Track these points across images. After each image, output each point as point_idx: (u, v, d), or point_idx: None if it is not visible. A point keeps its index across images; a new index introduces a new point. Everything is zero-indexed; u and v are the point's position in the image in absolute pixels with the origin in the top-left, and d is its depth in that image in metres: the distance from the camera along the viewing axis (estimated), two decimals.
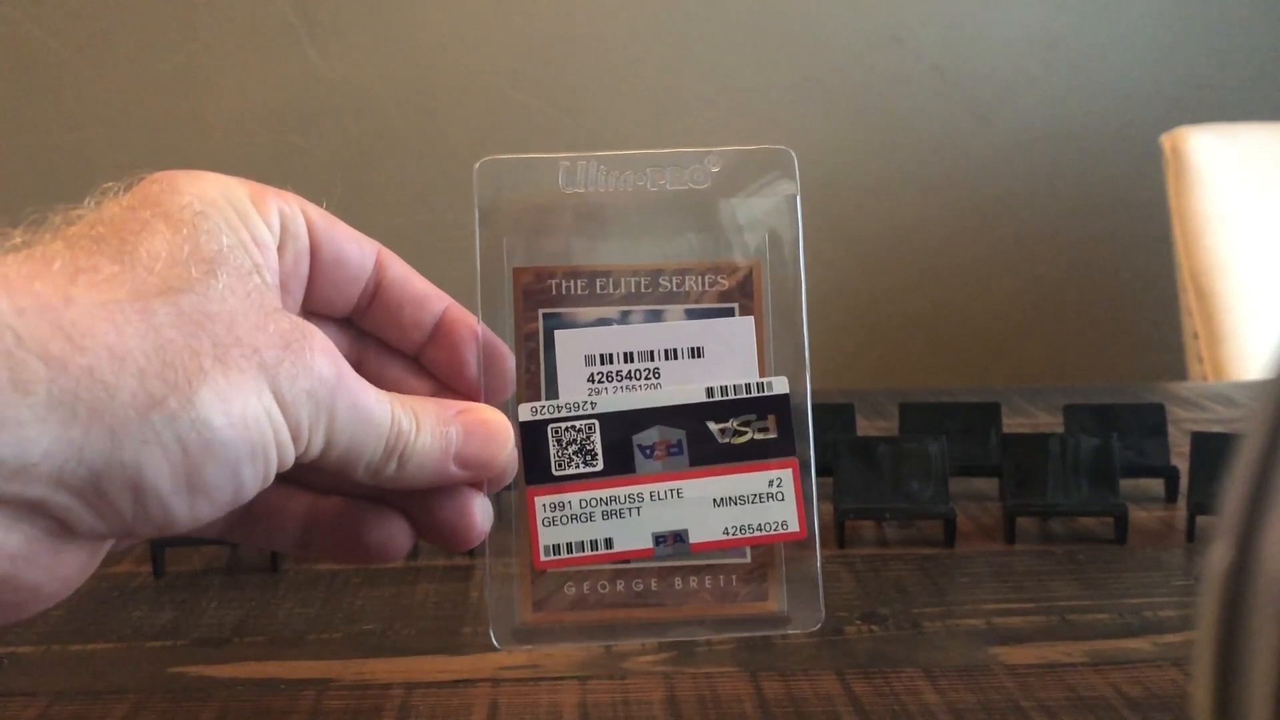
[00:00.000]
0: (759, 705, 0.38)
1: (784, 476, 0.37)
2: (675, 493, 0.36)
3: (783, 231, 0.38)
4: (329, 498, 0.36)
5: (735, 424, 0.37)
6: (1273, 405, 0.20)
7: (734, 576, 0.37)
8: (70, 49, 1.56)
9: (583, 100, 1.61)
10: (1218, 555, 0.20)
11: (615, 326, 0.38)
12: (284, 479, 0.36)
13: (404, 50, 1.59)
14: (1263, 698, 0.19)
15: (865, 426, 0.66)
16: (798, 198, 0.38)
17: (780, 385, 0.37)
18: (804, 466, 0.37)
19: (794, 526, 0.37)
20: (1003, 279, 1.69)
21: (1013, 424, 0.66)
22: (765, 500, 0.37)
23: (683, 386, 0.37)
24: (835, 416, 0.60)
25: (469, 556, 0.50)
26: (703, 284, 0.38)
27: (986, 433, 0.59)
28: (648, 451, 0.37)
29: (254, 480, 0.30)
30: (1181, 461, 0.56)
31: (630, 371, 0.37)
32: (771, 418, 0.37)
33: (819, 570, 0.37)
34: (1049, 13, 1.63)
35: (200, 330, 0.28)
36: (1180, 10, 1.64)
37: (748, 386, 0.37)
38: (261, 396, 0.29)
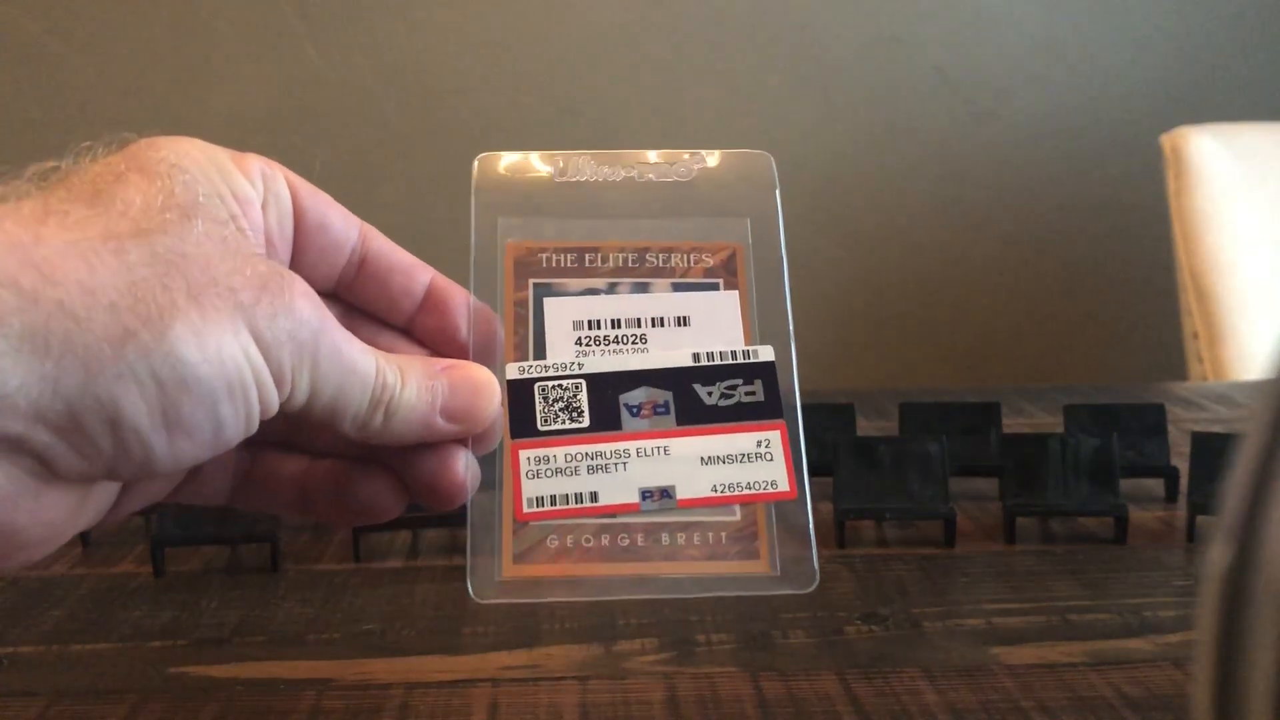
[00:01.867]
0: (759, 705, 0.38)
1: (772, 438, 0.37)
2: (662, 449, 0.36)
3: (765, 221, 0.39)
4: (324, 460, 0.36)
5: (722, 387, 0.37)
6: (1273, 405, 0.20)
7: (723, 534, 0.37)
8: (70, 49, 1.56)
9: (583, 100, 1.61)
10: (1218, 555, 0.20)
11: (603, 296, 0.38)
12: (280, 442, 0.36)
13: (404, 51, 1.59)
14: (1263, 697, 0.19)
15: (865, 426, 0.66)
16: (777, 191, 0.39)
17: (766, 353, 0.37)
18: (792, 431, 0.37)
19: (784, 486, 0.36)
20: (1003, 279, 1.69)
21: (1013, 424, 0.66)
22: (754, 460, 0.36)
23: (669, 352, 0.37)
24: (835, 416, 0.60)
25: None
26: (688, 261, 0.39)
27: (986, 433, 0.59)
28: (634, 410, 0.37)
29: (235, 421, 0.29)
30: (1181, 461, 0.56)
31: (618, 337, 0.38)
32: (758, 382, 0.37)
33: (812, 532, 0.36)
34: (1049, 13, 1.63)
35: (174, 269, 0.28)
36: (1180, 10, 1.64)
37: (734, 353, 0.38)
38: (238, 335, 0.29)
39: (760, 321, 0.38)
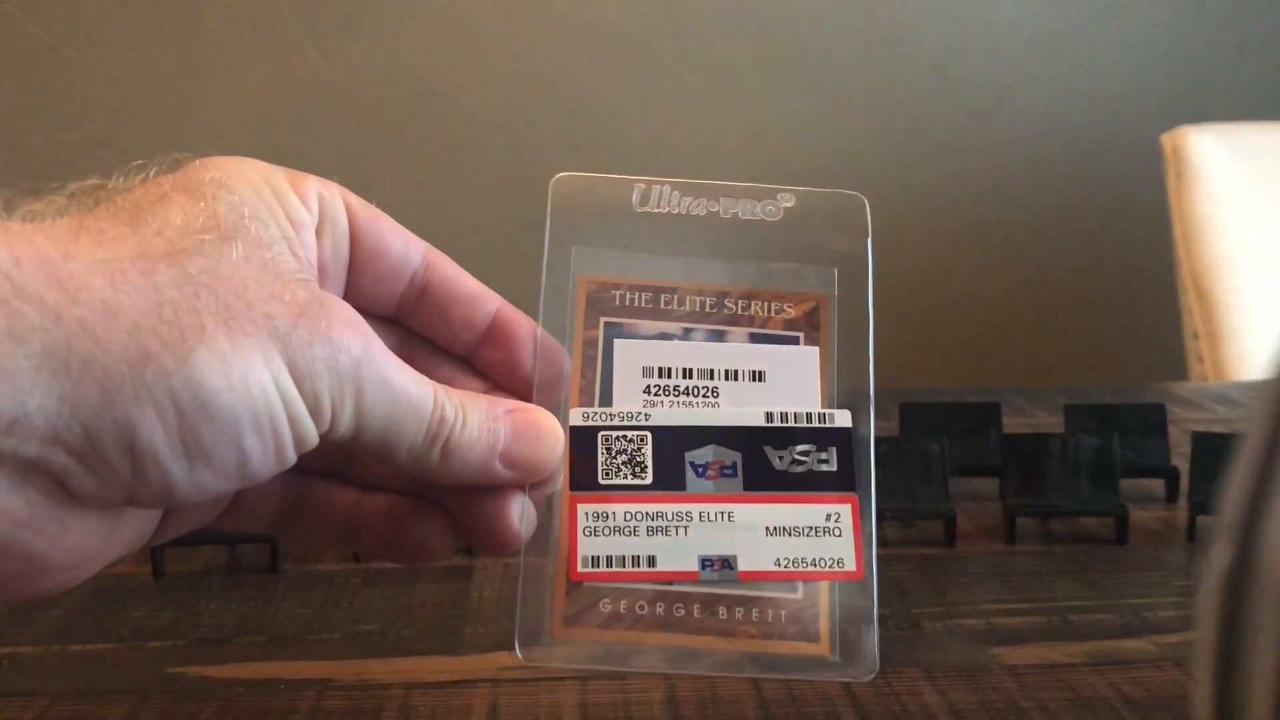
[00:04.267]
0: (759, 705, 0.38)
1: (843, 512, 0.35)
2: (726, 515, 0.35)
3: (853, 271, 0.37)
4: (375, 494, 0.35)
5: (794, 452, 0.35)
6: (1273, 405, 0.20)
7: (783, 612, 0.34)
8: (70, 49, 1.56)
9: (583, 100, 1.61)
10: (1218, 555, 0.20)
11: (676, 341, 0.37)
12: (330, 473, 0.36)
13: (404, 50, 1.59)
14: (1263, 697, 0.19)
15: None
16: (869, 240, 0.37)
17: (843, 419, 0.36)
18: (864, 505, 0.35)
19: (850, 566, 0.34)
20: (1003, 279, 1.69)
21: (1013, 424, 0.66)
22: (821, 534, 0.35)
23: (741, 409, 0.36)
24: None
25: (468, 556, 0.50)
26: (768, 310, 0.37)
27: (986, 433, 0.59)
28: (700, 470, 0.35)
29: (262, 453, 0.28)
30: (1182, 461, 0.56)
31: (688, 388, 0.36)
32: (832, 450, 0.35)
33: (875, 617, 0.34)
34: (1049, 13, 1.63)
35: (206, 292, 0.27)
36: (1180, 10, 1.64)
37: (809, 415, 0.36)
38: (269, 363, 0.28)
39: (839, 382, 0.36)
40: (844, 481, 0.35)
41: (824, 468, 0.35)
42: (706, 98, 1.62)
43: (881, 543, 0.52)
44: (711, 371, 0.36)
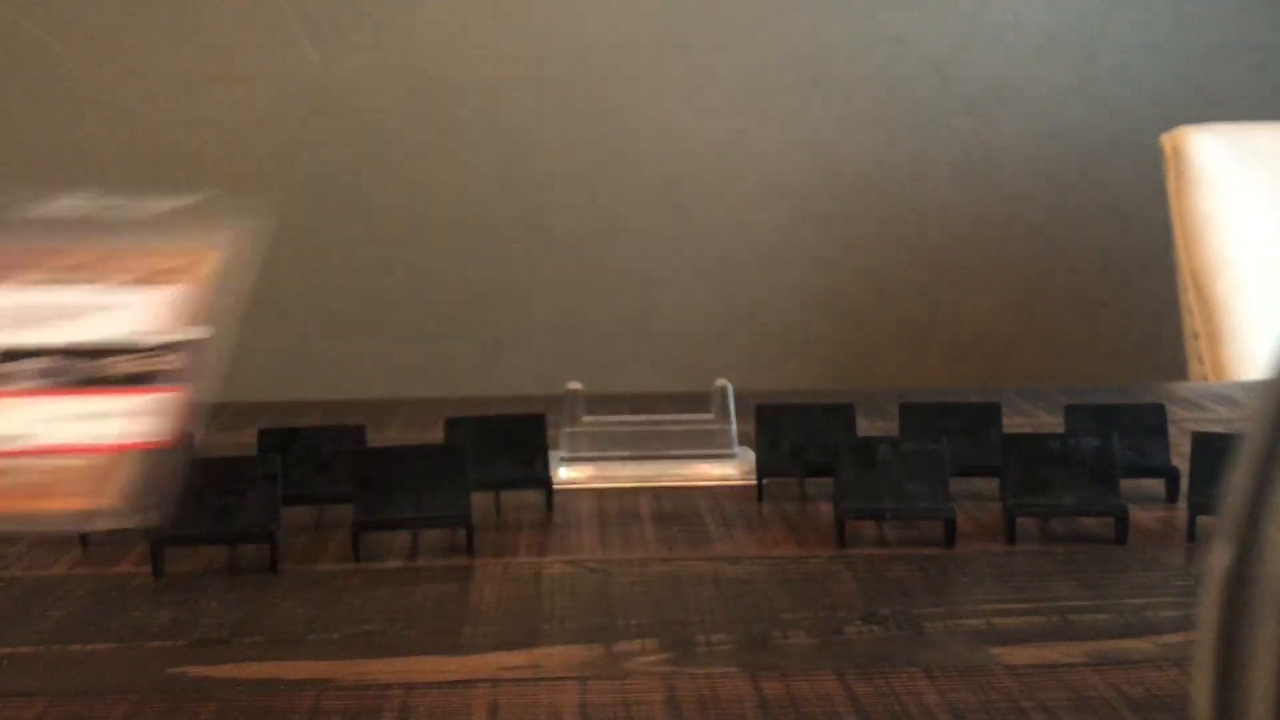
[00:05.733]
0: (759, 705, 0.38)
1: (170, 399, 0.39)
2: (38, 405, 0.38)
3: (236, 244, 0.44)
4: None
5: (123, 360, 0.40)
6: (1273, 405, 0.20)
7: (74, 476, 0.38)
8: (70, 48, 1.56)
9: (583, 100, 1.61)
10: (1218, 555, 0.20)
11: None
12: None
13: (404, 50, 1.59)
14: (1263, 697, 0.19)
15: (865, 426, 0.66)
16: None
17: (188, 334, 0.41)
18: (198, 395, 0.39)
19: (158, 439, 0.38)
20: (1003, 279, 1.69)
21: (1013, 424, 0.66)
22: (131, 417, 0.38)
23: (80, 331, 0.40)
24: (835, 416, 0.60)
25: (469, 556, 0.50)
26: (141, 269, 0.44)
27: (986, 433, 0.59)
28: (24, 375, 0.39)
29: None
30: (1182, 461, 0.56)
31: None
32: (170, 353, 0.40)
33: (174, 473, 0.37)
34: (1049, 13, 1.63)
35: None
36: (1180, 10, 1.64)
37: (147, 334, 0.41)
38: None
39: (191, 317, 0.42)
40: (181, 379, 0.40)
41: (163, 368, 0.40)
42: (707, 97, 1.62)
43: (881, 543, 0.52)
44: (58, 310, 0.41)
